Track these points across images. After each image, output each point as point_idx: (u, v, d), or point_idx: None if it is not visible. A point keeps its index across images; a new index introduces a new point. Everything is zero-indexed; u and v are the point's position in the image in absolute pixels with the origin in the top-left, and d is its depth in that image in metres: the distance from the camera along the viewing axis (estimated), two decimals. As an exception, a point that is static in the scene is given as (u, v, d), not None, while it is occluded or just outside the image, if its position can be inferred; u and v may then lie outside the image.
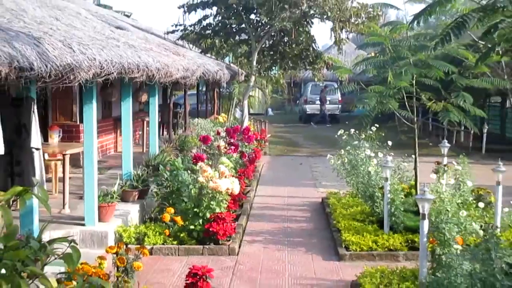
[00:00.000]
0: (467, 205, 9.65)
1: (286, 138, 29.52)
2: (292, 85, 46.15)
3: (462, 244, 6.72)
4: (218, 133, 16.67)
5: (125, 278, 7.11)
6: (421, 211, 7.74)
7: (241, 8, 22.23)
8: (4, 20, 7.81)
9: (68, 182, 11.20)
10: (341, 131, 13.77)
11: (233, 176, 12.21)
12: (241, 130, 18.20)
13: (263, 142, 22.73)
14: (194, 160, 12.03)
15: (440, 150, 13.31)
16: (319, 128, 35.19)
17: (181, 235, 10.35)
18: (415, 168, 11.54)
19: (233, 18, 22.94)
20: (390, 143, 12.86)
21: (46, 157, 11.78)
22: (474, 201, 9.78)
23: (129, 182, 11.96)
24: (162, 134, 19.22)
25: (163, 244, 10.13)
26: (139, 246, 8.02)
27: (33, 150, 8.07)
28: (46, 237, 4.02)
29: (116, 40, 11.43)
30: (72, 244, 3.94)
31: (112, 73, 8.87)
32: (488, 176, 11.81)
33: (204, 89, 26.72)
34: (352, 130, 13.32)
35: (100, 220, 10.23)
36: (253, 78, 24.17)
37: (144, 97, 16.73)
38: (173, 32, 23.51)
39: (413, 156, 11.55)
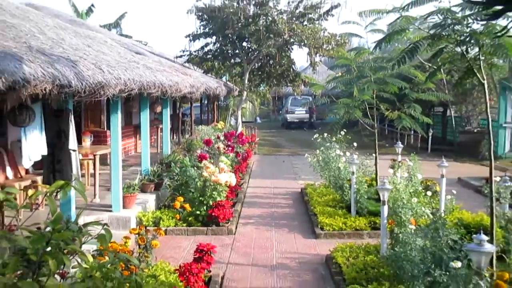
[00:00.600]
0: (417, 193, 9.66)
1: (271, 141, 29.50)
2: (276, 99, 46.32)
3: (415, 225, 6.72)
4: (218, 137, 16.68)
5: (145, 254, 7.07)
6: (381, 198, 7.76)
7: (235, 37, 22.47)
8: (47, 47, 7.75)
9: (98, 177, 11.19)
10: (316, 135, 13.84)
11: (230, 171, 12.22)
12: (236, 135, 18.26)
13: (253, 144, 22.69)
14: (199, 159, 12.03)
15: (395, 150, 13.36)
16: (297, 132, 35.20)
17: (189, 219, 10.34)
18: (375, 164, 11.54)
19: (229, 45, 23.18)
20: (355, 144, 12.91)
21: (80, 157, 11.73)
22: (423, 190, 9.79)
23: (147, 177, 11.95)
24: (173, 138, 19.14)
25: (175, 226, 10.10)
26: (156, 228, 7.97)
27: (71, 151, 8.05)
28: (81, 221, 3.98)
29: (136, 63, 11.40)
30: (105, 226, 3.90)
31: (134, 89, 8.86)
32: (433, 170, 11.87)
33: (206, 102, 26.69)
34: (325, 134, 13.37)
35: (124, 207, 10.21)
36: (245, 93, 24.39)
37: (158, 108, 16.74)
38: (181, 56, 23.49)
39: (374, 154, 11.55)
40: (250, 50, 23.61)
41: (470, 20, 5.36)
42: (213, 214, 10.19)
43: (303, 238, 9.87)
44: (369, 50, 10.89)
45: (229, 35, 22.07)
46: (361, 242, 8.74)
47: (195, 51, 23.75)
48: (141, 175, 12.00)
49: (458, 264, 4.53)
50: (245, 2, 22.20)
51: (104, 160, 13.51)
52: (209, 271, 7.34)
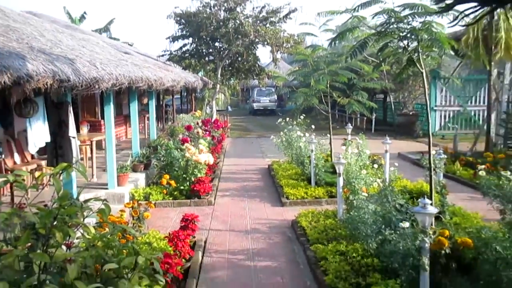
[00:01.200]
0: (366, 166, 9.68)
1: (241, 126, 29.35)
2: (244, 90, 46.05)
3: (366, 192, 6.72)
4: (197, 124, 16.48)
5: (139, 224, 6.93)
6: (337, 171, 7.75)
7: (209, 38, 22.43)
8: (47, 47, 7.49)
9: (95, 160, 10.96)
10: (280, 120, 13.79)
11: (208, 152, 12.09)
12: (212, 121, 18.10)
13: (226, 129, 22.56)
14: (182, 142, 11.86)
15: (346, 131, 13.36)
16: (262, 118, 35.10)
17: (175, 193, 10.20)
18: (330, 143, 11.57)
19: (203, 45, 23.16)
20: (313, 127, 12.92)
21: (79, 143, 11.48)
22: (371, 164, 9.81)
23: (137, 159, 11.76)
24: (158, 125, 18.89)
25: (162, 199, 9.94)
26: (147, 202, 7.83)
27: (71, 138, 7.84)
28: (81, 198, 3.86)
29: (125, 61, 11.12)
30: (105, 202, 3.79)
31: (124, 83, 8.65)
32: (377, 147, 11.95)
33: (185, 94, 26.40)
34: (287, 119, 13.33)
35: (118, 185, 10.01)
36: (218, 86, 24.30)
37: (145, 100, 16.45)
38: (163, 55, 23.34)
39: (328, 135, 11.57)
40: (222, 49, 23.57)
41: (411, 18, 5.32)
42: (195, 188, 10.07)
43: (272, 206, 9.82)
44: (323, 47, 10.84)
45: (204, 36, 22.01)
46: (320, 209, 8.72)
47: (175, 51, 23.69)
48: (132, 157, 11.81)
49: (406, 224, 4.52)
50: (216, 8, 22.18)
51: (99, 146, 13.24)
52: (194, 237, 7.25)
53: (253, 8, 22.72)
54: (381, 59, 6.41)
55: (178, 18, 22.63)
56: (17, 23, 8.94)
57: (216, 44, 23.49)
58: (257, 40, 22.39)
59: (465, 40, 13.79)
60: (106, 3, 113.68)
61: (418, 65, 5.67)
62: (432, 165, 6.10)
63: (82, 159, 11.72)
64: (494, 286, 4.35)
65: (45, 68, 5.90)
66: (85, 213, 3.68)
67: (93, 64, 7.69)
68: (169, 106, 23.08)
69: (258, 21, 22.40)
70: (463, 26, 12.16)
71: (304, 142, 11.99)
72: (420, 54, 5.63)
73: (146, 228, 7.18)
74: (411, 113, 24.70)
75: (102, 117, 12.59)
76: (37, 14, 16.95)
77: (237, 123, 30.56)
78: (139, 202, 7.55)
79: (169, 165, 11.04)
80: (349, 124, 13.68)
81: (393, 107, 26.74)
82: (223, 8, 22.23)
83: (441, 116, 22.38)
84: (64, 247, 3.45)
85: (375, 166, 9.40)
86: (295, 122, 13.00)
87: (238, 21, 21.93)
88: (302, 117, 13.05)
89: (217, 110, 27.78)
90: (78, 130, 12.02)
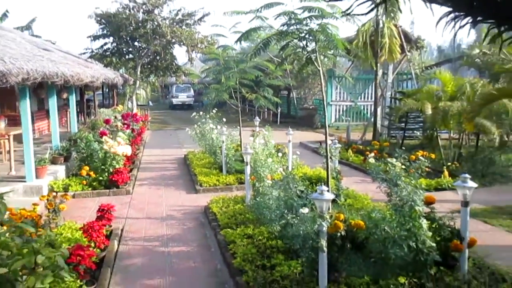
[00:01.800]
0: (271, 155, 9.53)
1: (161, 119, 28.41)
2: (163, 86, 44.72)
3: (271, 180, 6.52)
4: (116, 117, 15.62)
5: (54, 216, 6.29)
6: (245, 160, 7.52)
7: (128, 38, 21.74)
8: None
9: (13, 154, 9.90)
10: (194, 113, 13.39)
11: (127, 144, 11.43)
12: (132, 115, 17.32)
13: (146, 122, 21.72)
14: (101, 135, 11.07)
15: (254, 123, 13.21)
16: (180, 112, 34.26)
17: (94, 183, 9.46)
18: (239, 134, 11.34)
19: (123, 44, 22.50)
20: (224, 120, 12.63)
21: (-4, 137, 10.40)
22: (276, 153, 9.69)
23: (57, 151, 10.83)
24: (80, 119, 17.71)
25: (82, 190, 9.19)
26: (63, 193, 7.15)
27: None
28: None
29: (41, 57, 10.13)
30: (2, 200, 3.22)
31: (37, 78, 7.79)
32: (282, 137, 11.88)
33: (107, 89, 25.12)
34: (201, 113, 12.97)
35: (37, 177, 9.09)
36: (138, 82, 23.59)
37: (65, 95, 15.33)
38: (84, 53, 22.08)
39: (238, 127, 11.34)
40: (141, 48, 22.93)
41: (309, 20, 5.14)
42: (113, 178, 9.42)
43: (187, 193, 9.42)
44: (232, 47, 10.56)
45: (123, 36, 21.22)
46: (231, 195, 8.48)
47: (96, 49, 22.58)
48: (52, 150, 10.87)
49: (306, 210, 4.34)
50: (135, 10, 21.35)
51: (19, 139, 12.07)
52: (110, 226, 6.71)
53: (170, 11, 22.37)
54: (283, 56, 6.19)
55: (99, 18, 21.64)
56: None
57: (136, 43, 22.77)
58: (173, 40, 21.89)
59: (356, 43, 14.10)
60: (29, 2, 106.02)
61: (316, 64, 5.52)
62: (329, 153, 6.01)
63: (0, 153, 10.65)
64: (383, 262, 4.31)
65: None
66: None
67: (1, 59, 6.82)
68: (91, 101, 21.76)
69: (175, 23, 21.93)
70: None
71: (216, 134, 11.69)
72: (317, 54, 5.48)
73: (62, 220, 6.53)
74: (311, 107, 25.18)
75: (22, 112, 11.42)
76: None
77: (157, 117, 29.57)
78: (57, 193, 6.88)
79: (89, 157, 10.26)
80: (257, 117, 13.56)
81: (295, 102, 27.17)
82: (142, 10, 21.47)
83: (336, 110, 23.02)
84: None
85: (280, 154, 9.32)
86: (208, 116, 12.65)
87: (156, 23, 21.34)
88: (214, 111, 12.73)
89: (138, 105, 26.86)
90: (-5, 124, 10.91)
